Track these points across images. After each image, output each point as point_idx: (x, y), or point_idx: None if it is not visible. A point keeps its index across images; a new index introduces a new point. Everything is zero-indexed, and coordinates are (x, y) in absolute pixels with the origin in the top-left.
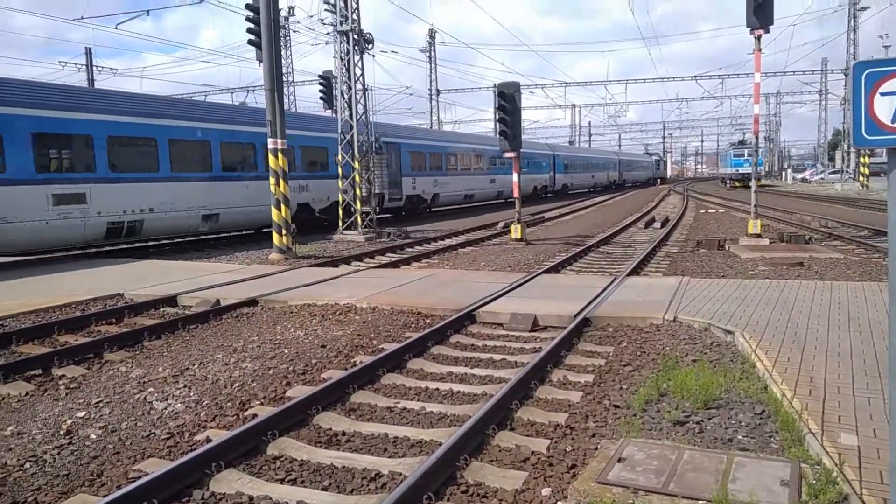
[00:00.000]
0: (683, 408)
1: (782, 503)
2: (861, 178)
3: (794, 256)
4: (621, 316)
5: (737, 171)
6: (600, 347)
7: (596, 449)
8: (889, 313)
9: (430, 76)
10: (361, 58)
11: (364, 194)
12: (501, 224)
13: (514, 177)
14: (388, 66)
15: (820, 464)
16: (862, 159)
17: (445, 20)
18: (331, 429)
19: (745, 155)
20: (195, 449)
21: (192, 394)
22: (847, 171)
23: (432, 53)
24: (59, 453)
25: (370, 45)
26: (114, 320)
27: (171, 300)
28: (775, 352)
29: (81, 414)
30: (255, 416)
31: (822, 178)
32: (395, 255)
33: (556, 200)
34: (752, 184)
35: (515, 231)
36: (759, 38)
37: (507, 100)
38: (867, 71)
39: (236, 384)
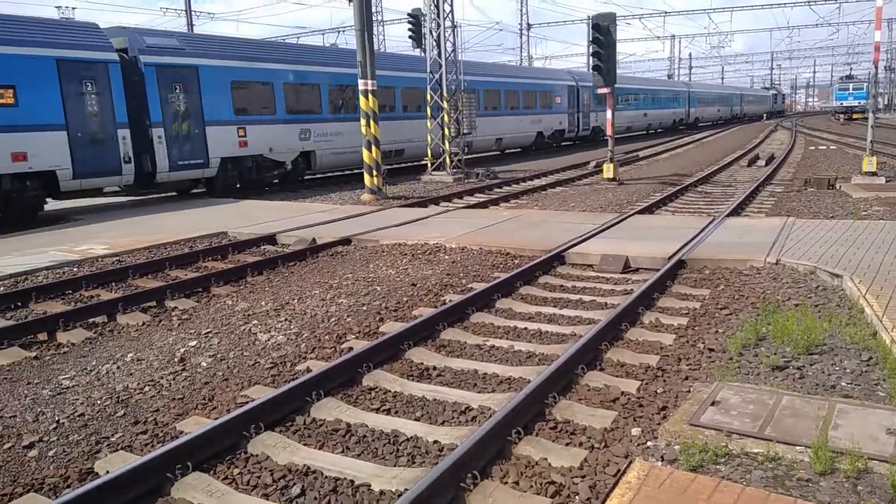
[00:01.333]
0: (783, 353)
1: (888, 452)
2: None
3: None
4: (719, 258)
5: (841, 104)
6: (696, 290)
7: (688, 392)
8: None
9: (521, 10)
10: None
11: (453, 134)
12: (593, 163)
13: (608, 114)
14: (479, 1)
15: None
16: None
17: None
18: (422, 363)
19: (850, 89)
20: (297, 378)
21: (292, 327)
22: None
23: None
24: (174, 378)
25: None
26: (219, 257)
27: (271, 238)
28: (887, 297)
29: (193, 343)
30: (350, 349)
31: None
32: (483, 196)
33: (678, 134)
34: (870, 117)
35: (607, 171)
36: None
37: (602, 32)
38: None
39: (333, 319)
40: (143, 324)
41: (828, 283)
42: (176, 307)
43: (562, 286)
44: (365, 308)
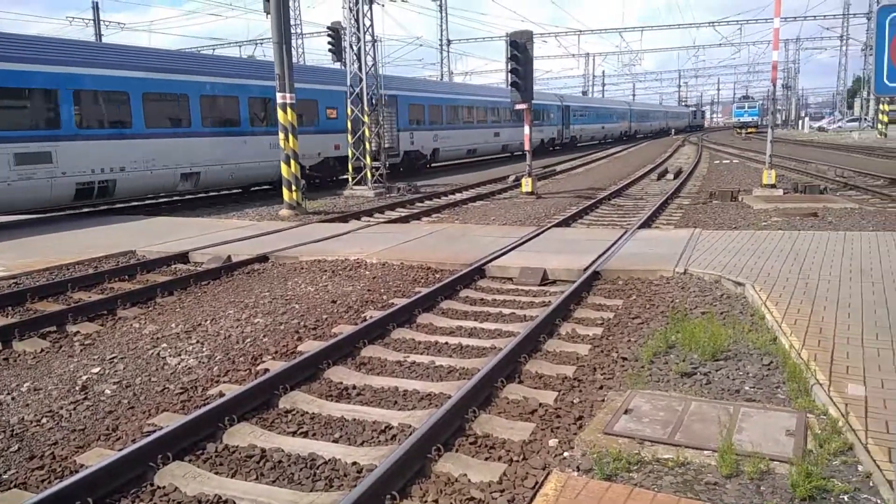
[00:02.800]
0: (691, 360)
1: (787, 453)
2: (880, 125)
3: (809, 207)
4: (631, 269)
5: (739, 120)
6: (610, 301)
7: (603, 401)
8: None
9: (441, 26)
10: (370, 8)
11: (374, 149)
12: (512, 178)
13: (526, 129)
14: (399, 16)
15: (826, 414)
16: (881, 107)
17: None
18: (341, 382)
19: (746, 107)
20: (208, 403)
21: (204, 349)
22: (866, 120)
23: (443, 2)
24: (74, 408)
25: None
26: (126, 277)
27: (183, 257)
28: (785, 304)
29: (96, 370)
30: (266, 370)
31: (839, 127)
32: (405, 210)
33: (587, 150)
34: (769, 133)
35: (526, 184)
36: None
37: (520, 49)
38: (891, 15)
39: (248, 339)
40: (42, 350)
41: (732, 291)
42: (78, 332)
43: (482, 299)
44: (282, 327)
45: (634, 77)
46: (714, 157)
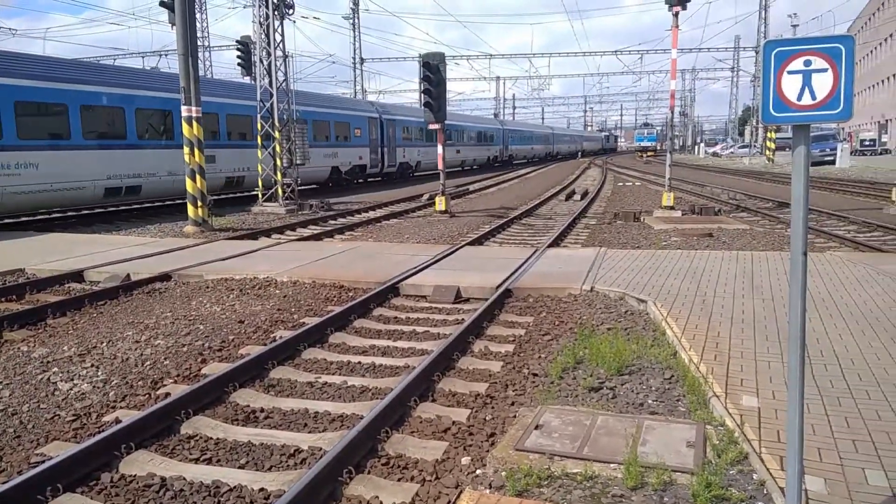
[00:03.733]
0: (598, 374)
1: (688, 464)
2: (767, 152)
3: (704, 228)
4: (541, 286)
5: (640, 145)
6: (521, 318)
7: (515, 417)
8: (790, 282)
9: (354, 44)
10: (282, 23)
11: (285, 165)
12: (426, 196)
13: (440, 149)
14: (311, 33)
15: (723, 425)
16: (769, 134)
17: None
18: (248, 406)
19: (645, 133)
20: (103, 430)
21: (100, 373)
22: (755, 146)
23: (356, 21)
24: None
25: (291, 11)
26: (14, 297)
27: (78, 275)
28: (684, 319)
29: None
30: (167, 394)
31: (732, 153)
32: (317, 228)
33: (502, 169)
34: (667, 157)
35: (440, 203)
36: (676, 14)
37: (432, 71)
38: (776, 50)
39: (148, 362)
40: None
41: (635, 307)
42: None
43: (396, 318)
44: (185, 349)
45: (543, 101)
46: (618, 179)
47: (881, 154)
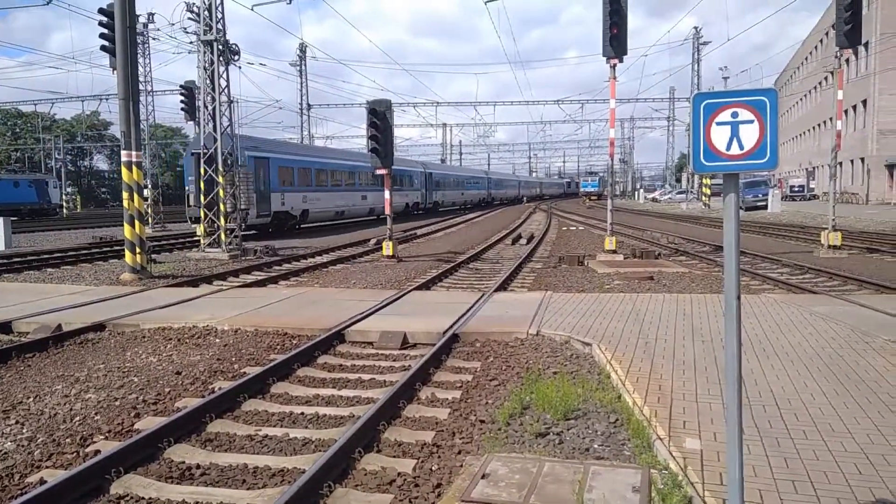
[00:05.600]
0: (545, 420)
1: None
2: (704, 198)
3: (645, 271)
4: (488, 331)
5: (585, 190)
6: (468, 363)
7: (461, 466)
8: (725, 325)
9: (301, 91)
10: (227, 69)
11: (229, 210)
12: (373, 241)
13: (386, 194)
14: (258, 78)
15: (667, 468)
16: (704, 181)
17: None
18: (184, 462)
19: (589, 180)
20: (26, 492)
21: (24, 431)
22: (691, 192)
23: (303, 68)
24: None
25: (236, 57)
26: None
27: (5, 326)
28: (628, 362)
29: None
30: (97, 452)
31: (670, 198)
32: (261, 274)
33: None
34: (609, 203)
35: (387, 248)
36: (614, 66)
37: (379, 117)
38: (705, 102)
39: (77, 418)
40: None
41: (580, 351)
42: None
43: (341, 365)
44: (118, 403)
45: (489, 147)
46: (562, 223)
47: (809, 199)
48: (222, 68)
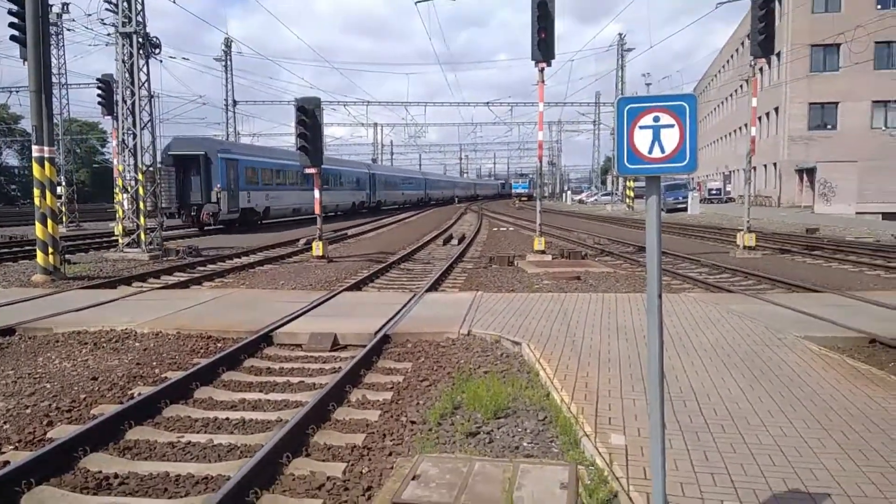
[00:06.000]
0: (475, 419)
1: None
2: (628, 200)
3: (573, 271)
4: (420, 331)
5: (516, 192)
6: (399, 364)
7: (392, 468)
8: (648, 322)
9: (227, 86)
10: (147, 62)
11: (149, 208)
12: (303, 241)
13: (316, 193)
14: (180, 73)
15: (594, 464)
16: (628, 183)
17: (248, 30)
18: (100, 472)
19: (520, 181)
20: None
21: None
22: (616, 194)
23: (228, 63)
24: None
25: (157, 50)
26: None
27: None
28: (556, 360)
29: None
30: (6, 463)
31: (595, 200)
32: (184, 275)
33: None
34: (537, 204)
35: (317, 248)
36: (542, 70)
37: (308, 115)
38: (628, 106)
39: None
40: None
41: (510, 350)
42: None
43: (269, 369)
44: (29, 411)
45: (420, 148)
46: (493, 224)
47: (726, 202)
48: (142, 62)
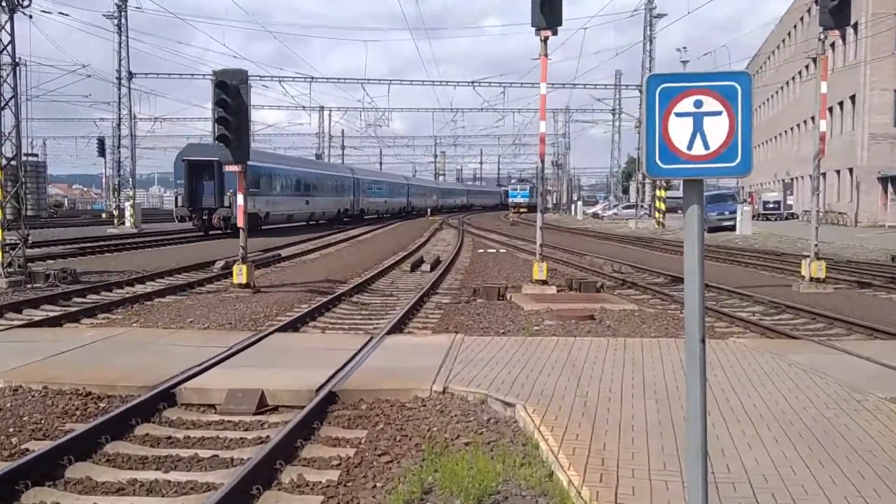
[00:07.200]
0: None
1: None
2: (657, 214)
3: (585, 308)
4: (379, 388)
5: (513, 200)
6: (350, 432)
7: None
8: (686, 376)
9: (119, 53)
10: (11, 18)
11: (9, 217)
12: (221, 263)
13: (240, 199)
14: (58, 34)
15: None
16: (658, 192)
17: None
18: None
19: (518, 189)
20: None
21: None
22: (642, 207)
23: (123, 21)
24: None
25: (25, 2)
26: None
27: None
28: (562, 428)
29: None
30: None
31: (615, 214)
32: (56, 308)
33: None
34: (538, 218)
35: (239, 274)
36: (545, 40)
37: (230, 94)
38: (661, 86)
39: None
40: None
41: (501, 413)
42: None
43: (170, 438)
44: None
45: (382, 141)
46: (478, 244)
47: (787, 219)
48: (4, 17)
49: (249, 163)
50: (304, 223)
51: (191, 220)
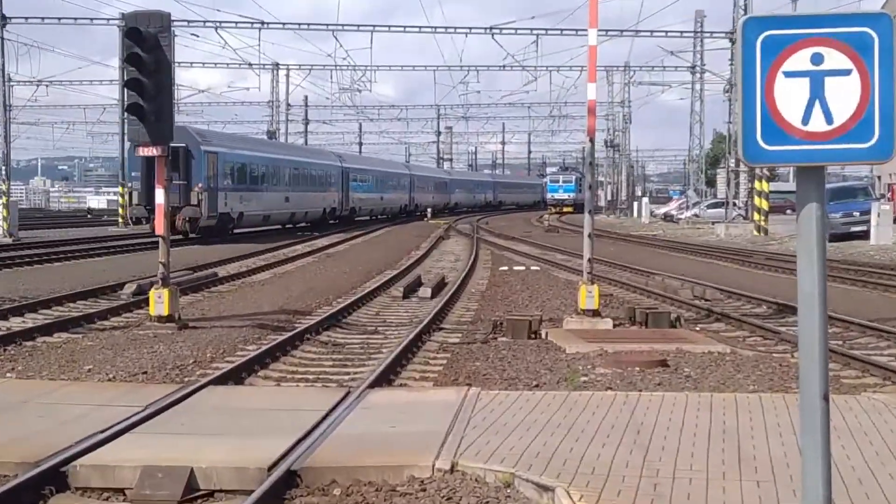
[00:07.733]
0: None
1: None
2: (757, 216)
3: (654, 350)
4: (358, 464)
5: (553, 196)
6: None
7: None
8: (801, 448)
9: None
10: None
11: None
12: (133, 288)
13: (159, 196)
14: None
15: None
16: (758, 185)
17: None
18: None
19: (561, 180)
20: None
21: None
22: (736, 205)
23: None
24: None
25: None
26: None
27: None
28: None
29: None
30: None
31: (695, 215)
32: None
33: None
34: (585, 222)
35: (159, 301)
36: None
37: (147, 46)
38: (764, 34)
39: None
40: None
41: (534, 500)
42: None
43: None
44: None
45: (361, 111)
46: (499, 259)
47: None
48: None
49: (221, 150)
50: (281, 226)
51: (148, 223)
